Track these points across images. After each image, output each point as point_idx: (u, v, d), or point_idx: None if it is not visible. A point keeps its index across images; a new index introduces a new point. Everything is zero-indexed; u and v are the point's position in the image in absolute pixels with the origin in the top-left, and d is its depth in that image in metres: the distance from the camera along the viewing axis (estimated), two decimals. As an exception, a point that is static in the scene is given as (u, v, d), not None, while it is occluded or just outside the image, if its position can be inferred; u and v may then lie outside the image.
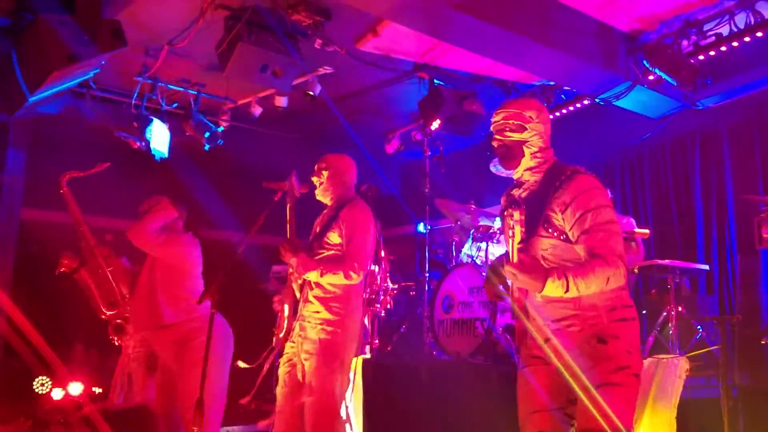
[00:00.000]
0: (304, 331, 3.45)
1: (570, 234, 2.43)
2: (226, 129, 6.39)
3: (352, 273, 3.39)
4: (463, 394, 4.26)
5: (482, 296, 4.75)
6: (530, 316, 2.49)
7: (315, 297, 3.46)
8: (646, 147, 6.06)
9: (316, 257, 3.50)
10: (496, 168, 5.54)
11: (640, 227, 5.01)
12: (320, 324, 3.41)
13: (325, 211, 3.78)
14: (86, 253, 4.28)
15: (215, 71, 4.88)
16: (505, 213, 2.65)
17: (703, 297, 5.32)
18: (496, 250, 5.25)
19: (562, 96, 6.02)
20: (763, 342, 3.93)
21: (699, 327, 4.52)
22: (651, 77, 5.11)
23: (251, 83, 5.00)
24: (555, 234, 2.45)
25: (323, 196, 3.72)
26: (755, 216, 4.29)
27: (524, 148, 2.59)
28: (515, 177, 2.69)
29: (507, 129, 2.58)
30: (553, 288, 2.27)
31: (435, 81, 5.99)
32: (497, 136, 2.62)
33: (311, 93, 5.56)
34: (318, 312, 3.43)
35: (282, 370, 3.53)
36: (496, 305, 4.60)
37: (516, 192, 2.67)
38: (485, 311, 4.66)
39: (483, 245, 5.23)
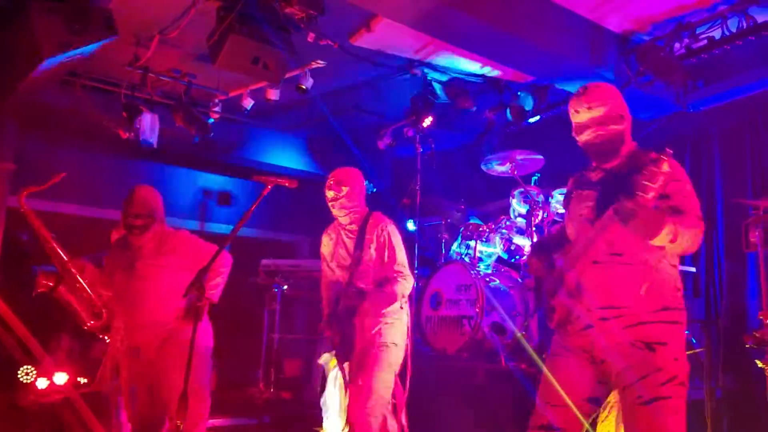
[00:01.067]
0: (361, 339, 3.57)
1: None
2: (216, 121, 6.36)
3: (406, 289, 3.61)
4: (448, 391, 4.27)
5: (470, 294, 4.76)
6: (579, 298, 2.46)
7: (372, 316, 3.57)
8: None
9: (361, 285, 3.59)
10: (487, 166, 5.55)
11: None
12: (376, 334, 3.57)
13: (340, 229, 3.78)
14: (60, 269, 4.14)
15: (206, 62, 4.83)
16: (581, 193, 2.65)
17: (689, 299, 5.34)
18: (484, 249, 5.26)
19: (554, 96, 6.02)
20: (747, 345, 3.95)
21: (686, 331, 4.55)
22: (642, 79, 5.12)
23: (243, 75, 4.97)
24: None
25: (339, 210, 3.72)
26: (743, 220, 4.31)
27: (624, 138, 2.61)
28: (601, 164, 2.64)
29: (610, 122, 2.56)
30: (664, 235, 2.27)
31: (428, 78, 5.98)
32: (598, 131, 2.57)
33: (303, 87, 5.54)
34: (377, 325, 3.58)
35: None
36: (483, 303, 4.61)
37: (591, 174, 2.68)
38: (472, 309, 4.67)
39: (472, 243, 5.24)
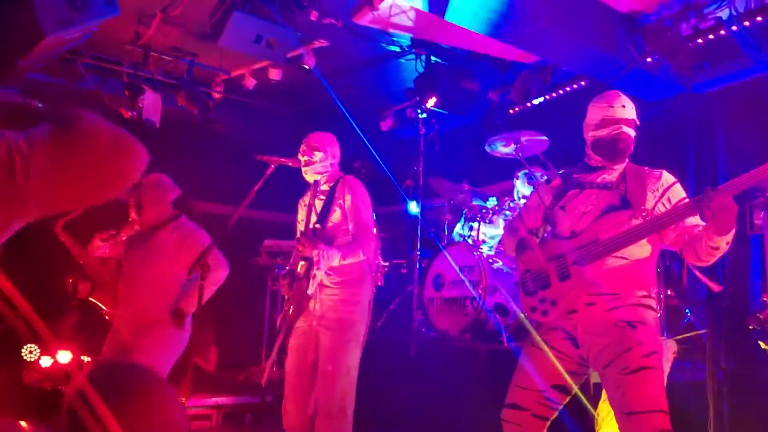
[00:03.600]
0: (323, 310, 3.54)
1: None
2: (218, 100, 6.33)
3: (368, 249, 3.60)
4: (451, 372, 4.28)
5: (473, 275, 4.76)
6: (570, 281, 2.64)
7: (332, 282, 3.57)
8: (641, 130, 6.04)
9: (326, 243, 3.56)
10: (491, 148, 5.52)
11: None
12: (339, 304, 3.55)
13: (313, 191, 3.77)
14: (93, 273, 4.25)
15: (209, 41, 4.80)
16: (574, 191, 2.83)
17: (692, 281, 5.34)
18: (487, 230, 5.25)
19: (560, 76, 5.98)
20: (750, 327, 3.95)
21: (687, 311, 4.55)
22: (648, 60, 5.08)
23: (245, 54, 4.93)
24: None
25: (312, 175, 3.74)
26: (747, 202, 4.30)
27: (632, 147, 2.83)
28: (591, 164, 2.84)
29: (632, 125, 2.79)
30: (731, 234, 2.46)
31: (431, 58, 5.93)
32: (627, 129, 2.78)
33: (306, 66, 5.50)
34: (336, 294, 3.56)
35: (294, 342, 3.63)
36: (486, 284, 4.61)
37: (583, 175, 2.85)
38: (475, 290, 4.67)
39: (475, 225, 5.23)
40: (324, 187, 3.73)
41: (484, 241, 5.19)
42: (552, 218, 2.84)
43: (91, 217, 4.05)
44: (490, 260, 4.92)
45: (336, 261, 3.50)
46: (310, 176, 3.75)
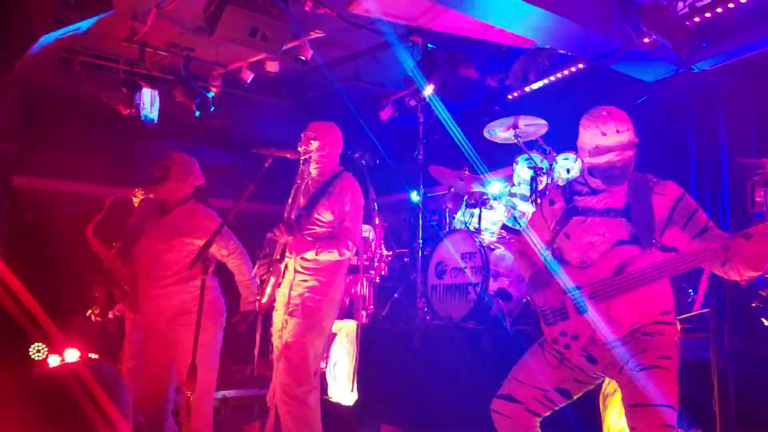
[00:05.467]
0: (292, 296, 3.53)
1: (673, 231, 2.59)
2: (216, 95, 6.32)
3: (345, 251, 3.52)
4: (455, 358, 4.29)
5: (475, 262, 4.76)
6: (587, 315, 2.59)
7: (303, 267, 3.55)
8: (641, 110, 6.02)
9: (307, 233, 3.54)
10: (490, 133, 5.51)
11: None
12: (307, 291, 3.52)
13: (307, 182, 3.76)
14: (119, 277, 4.25)
15: (204, 35, 4.79)
16: (578, 218, 2.72)
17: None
18: (489, 216, 5.25)
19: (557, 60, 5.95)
20: (753, 305, 3.94)
21: (690, 290, 4.55)
22: (646, 40, 5.05)
23: (241, 47, 4.92)
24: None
25: (310, 169, 3.73)
26: (748, 180, 4.28)
27: (632, 166, 2.71)
28: (592, 185, 2.74)
29: (629, 148, 2.66)
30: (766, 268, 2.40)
31: (428, 45, 5.91)
32: (623, 155, 2.65)
33: (303, 58, 5.49)
34: (305, 281, 3.53)
35: (275, 340, 3.62)
36: (488, 270, 4.62)
37: (585, 199, 2.74)
38: (478, 276, 4.68)
39: (476, 211, 5.22)
40: (320, 179, 3.70)
41: (485, 228, 5.19)
42: (558, 245, 2.78)
43: (116, 220, 4.10)
44: (492, 246, 4.92)
45: (310, 254, 3.48)
46: (310, 167, 3.73)
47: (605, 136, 2.65)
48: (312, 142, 3.70)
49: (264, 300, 3.63)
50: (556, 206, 2.83)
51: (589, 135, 2.69)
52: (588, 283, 2.60)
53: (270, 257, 3.62)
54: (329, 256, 3.50)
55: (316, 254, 3.48)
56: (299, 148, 3.72)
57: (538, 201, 4.88)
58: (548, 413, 2.69)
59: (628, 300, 2.54)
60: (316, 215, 3.58)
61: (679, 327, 3.64)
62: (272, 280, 3.62)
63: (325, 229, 3.58)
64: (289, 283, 3.57)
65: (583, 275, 2.62)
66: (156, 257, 3.67)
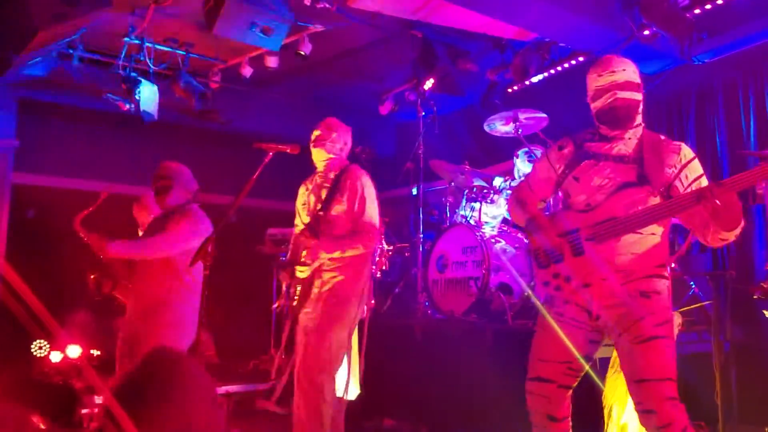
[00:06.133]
0: (321, 290, 3.54)
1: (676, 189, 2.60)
2: (216, 90, 6.31)
3: (369, 243, 3.56)
4: (457, 352, 4.30)
5: (476, 256, 4.76)
6: (584, 257, 2.62)
7: (329, 264, 3.54)
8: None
9: (328, 232, 3.54)
10: (490, 127, 5.50)
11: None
12: (334, 285, 3.54)
13: (316, 178, 3.75)
14: (113, 269, 4.23)
15: (204, 30, 4.78)
16: (589, 162, 2.71)
17: (696, 253, 5.33)
18: (490, 210, 5.24)
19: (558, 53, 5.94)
20: (755, 297, 3.94)
21: (692, 283, 4.55)
22: (646, 32, 5.04)
23: (240, 42, 4.91)
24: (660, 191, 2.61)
25: (319, 152, 3.71)
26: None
27: (639, 111, 2.69)
28: (605, 133, 2.72)
29: (628, 89, 2.63)
30: (738, 229, 2.41)
31: (428, 39, 5.90)
32: (621, 94, 2.63)
33: (302, 53, 5.47)
34: (333, 276, 3.55)
35: (299, 338, 3.62)
36: (489, 264, 4.62)
37: (596, 145, 2.73)
38: (479, 270, 4.68)
39: (477, 205, 5.22)
40: (330, 175, 3.69)
41: (486, 222, 5.19)
42: (565, 188, 2.77)
43: (108, 213, 4.07)
44: (493, 240, 4.92)
45: (336, 254, 3.50)
46: (317, 154, 3.71)
47: (600, 77, 2.67)
48: (331, 132, 3.70)
49: (295, 304, 3.63)
50: (566, 150, 2.81)
51: (590, 80, 2.73)
52: (587, 226, 2.64)
53: (292, 263, 3.62)
54: (354, 251, 3.52)
55: (342, 252, 3.50)
56: (314, 133, 3.70)
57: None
58: (578, 381, 2.72)
59: (624, 246, 2.58)
60: (332, 213, 3.58)
61: (679, 320, 3.65)
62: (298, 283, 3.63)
63: (344, 225, 3.58)
64: (318, 281, 3.57)
65: (585, 218, 2.65)
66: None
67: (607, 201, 2.62)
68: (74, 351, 5.23)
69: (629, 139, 2.69)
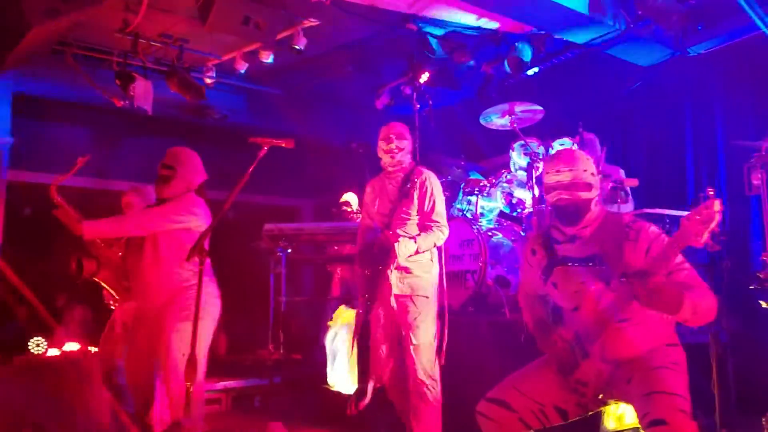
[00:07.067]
0: (400, 289, 3.72)
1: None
2: (211, 85, 6.29)
3: (442, 237, 3.77)
4: (454, 345, 4.29)
5: (472, 249, 4.76)
6: (590, 358, 2.56)
7: (406, 264, 3.71)
8: (637, 95, 6.01)
9: (402, 233, 3.74)
10: (485, 120, 5.49)
11: (629, 177, 4.99)
12: (413, 284, 3.72)
13: (385, 178, 3.91)
14: (98, 253, 4.19)
15: (198, 25, 4.76)
16: (568, 269, 2.68)
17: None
18: (486, 204, 5.25)
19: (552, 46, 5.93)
20: (751, 287, 3.95)
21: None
22: (641, 24, 5.03)
23: (234, 37, 4.89)
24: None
25: (393, 165, 3.89)
26: (745, 162, 4.27)
27: (591, 206, 2.69)
28: (565, 231, 2.73)
29: (575, 189, 2.66)
30: (684, 313, 2.32)
31: (423, 33, 5.87)
32: (564, 195, 2.66)
33: (297, 47, 5.45)
34: (410, 274, 3.72)
35: (375, 327, 3.84)
36: (486, 257, 4.62)
37: (564, 247, 2.72)
38: (476, 264, 4.68)
39: (473, 199, 5.21)
40: (398, 176, 3.86)
41: (482, 215, 5.18)
42: (548, 293, 2.78)
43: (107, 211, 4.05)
44: (490, 233, 4.92)
45: (413, 251, 3.68)
46: (388, 161, 3.88)
47: (548, 174, 2.73)
48: (404, 142, 3.90)
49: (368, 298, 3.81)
50: (538, 256, 2.84)
51: (543, 173, 2.80)
52: (582, 327, 2.59)
53: (370, 268, 3.78)
54: (429, 248, 3.74)
55: (420, 251, 3.69)
56: (387, 145, 3.86)
57: (535, 189, 4.86)
58: (539, 428, 2.65)
59: (618, 336, 2.51)
60: (404, 210, 3.77)
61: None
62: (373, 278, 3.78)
63: (415, 225, 3.77)
64: (396, 280, 3.72)
65: (578, 317, 2.62)
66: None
67: (587, 304, 2.58)
68: (72, 348, 5.21)
69: (592, 235, 2.68)
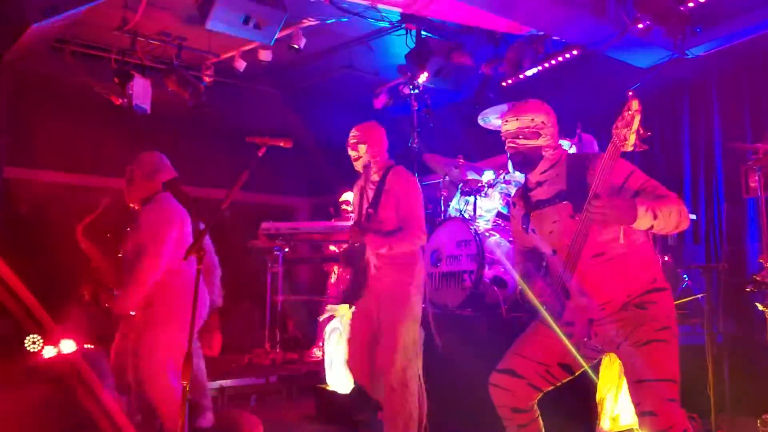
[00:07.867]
0: (378, 289, 3.67)
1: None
2: (209, 84, 6.28)
3: (417, 240, 3.67)
4: (452, 345, 4.30)
5: (470, 249, 4.76)
6: (571, 299, 2.59)
7: (383, 263, 3.67)
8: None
9: (378, 231, 3.67)
10: (484, 120, 5.49)
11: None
12: (392, 283, 3.65)
13: (365, 178, 3.84)
14: (107, 278, 4.20)
15: (196, 24, 4.75)
16: (541, 212, 2.74)
17: (689, 246, 5.35)
18: (484, 204, 5.24)
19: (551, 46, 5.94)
20: (748, 290, 3.96)
21: (685, 275, 4.56)
22: (640, 26, 5.04)
23: (233, 36, 4.89)
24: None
25: (363, 167, 3.81)
26: (742, 165, 4.29)
27: (542, 152, 2.72)
28: (531, 179, 2.79)
29: (521, 136, 2.71)
30: (644, 218, 2.35)
31: (422, 32, 5.88)
32: (511, 144, 2.74)
33: (296, 46, 5.45)
34: (389, 274, 3.67)
35: (353, 321, 3.81)
36: (483, 257, 4.62)
37: (535, 192, 2.77)
38: (473, 264, 4.68)
39: (471, 199, 5.21)
40: (374, 177, 3.80)
41: (480, 215, 5.19)
42: (534, 243, 2.83)
43: (105, 219, 4.05)
44: (487, 233, 4.92)
45: (384, 249, 3.63)
46: (358, 166, 3.84)
47: (501, 126, 2.79)
48: (360, 146, 3.79)
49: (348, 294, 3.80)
50: (518, 207, 2.89)
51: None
52: (561, 267, 2.63)
53: (350, 267, 3.78)
54: (403, 248, 3.65)
55: (390, 249, 3.62)
56: (350, 152, 3.82)
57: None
58: (550, 388, 2.70)
59: (595, 274, 2.54)
60: (380, 211, 3.71)
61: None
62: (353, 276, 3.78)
63: (393, 225, 3.70)
64: (374, 281, 3.70)
65: (557, 260, 2.66)
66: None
67: (563, 242, 2.60)
68: (68, 346, 5.20)
69: (557, 175, 2.71)
